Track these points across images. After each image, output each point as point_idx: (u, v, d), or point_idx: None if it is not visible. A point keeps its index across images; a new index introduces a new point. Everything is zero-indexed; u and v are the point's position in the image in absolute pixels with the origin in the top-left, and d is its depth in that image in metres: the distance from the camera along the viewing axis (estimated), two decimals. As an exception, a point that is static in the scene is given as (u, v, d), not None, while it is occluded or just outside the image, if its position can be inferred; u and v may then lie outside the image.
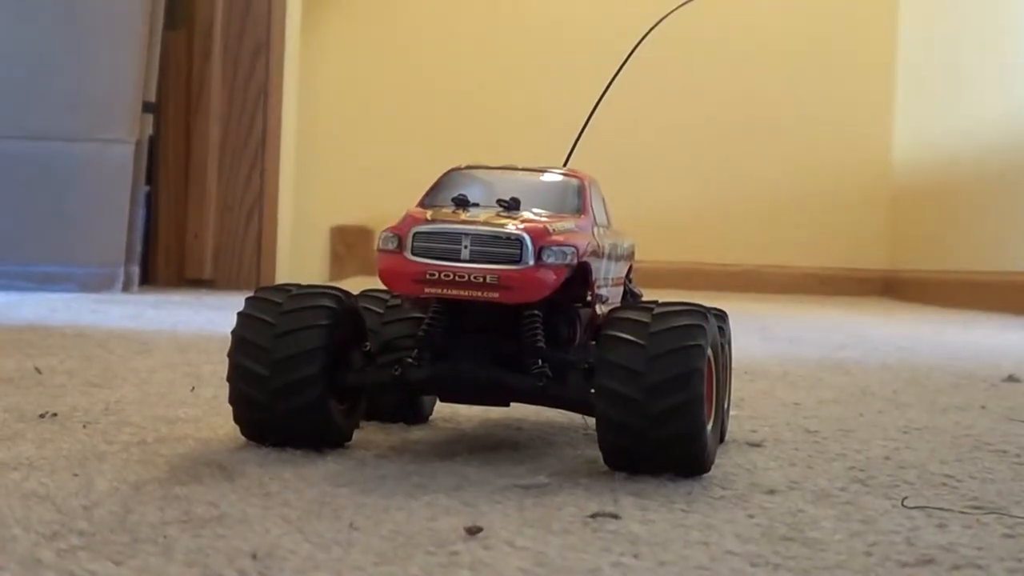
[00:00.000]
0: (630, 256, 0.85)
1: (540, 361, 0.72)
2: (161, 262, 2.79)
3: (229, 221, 2.81)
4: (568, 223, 0.72)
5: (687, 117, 3.77)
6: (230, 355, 0.74)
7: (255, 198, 2.82)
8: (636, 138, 3.75)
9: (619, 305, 0.79)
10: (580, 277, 0.72)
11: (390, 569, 0.51)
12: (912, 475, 0.76)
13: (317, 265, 3.71)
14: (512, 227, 0.69)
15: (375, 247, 0.71)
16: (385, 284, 0.72)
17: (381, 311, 0.80)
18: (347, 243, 3.77)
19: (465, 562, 0.53)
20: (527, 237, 0.68)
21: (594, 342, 0.74)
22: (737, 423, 0.94)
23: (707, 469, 0.71)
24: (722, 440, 0.81)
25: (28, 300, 2.09)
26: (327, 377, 0.73)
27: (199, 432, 0.83)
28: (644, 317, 0.69)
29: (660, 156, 3.76)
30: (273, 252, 2.88)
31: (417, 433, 0.86)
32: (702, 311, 0.71)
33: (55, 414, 0.88)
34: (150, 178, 2.63)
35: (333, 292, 0.75)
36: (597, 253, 0.74)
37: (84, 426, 0.84)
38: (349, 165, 3.80)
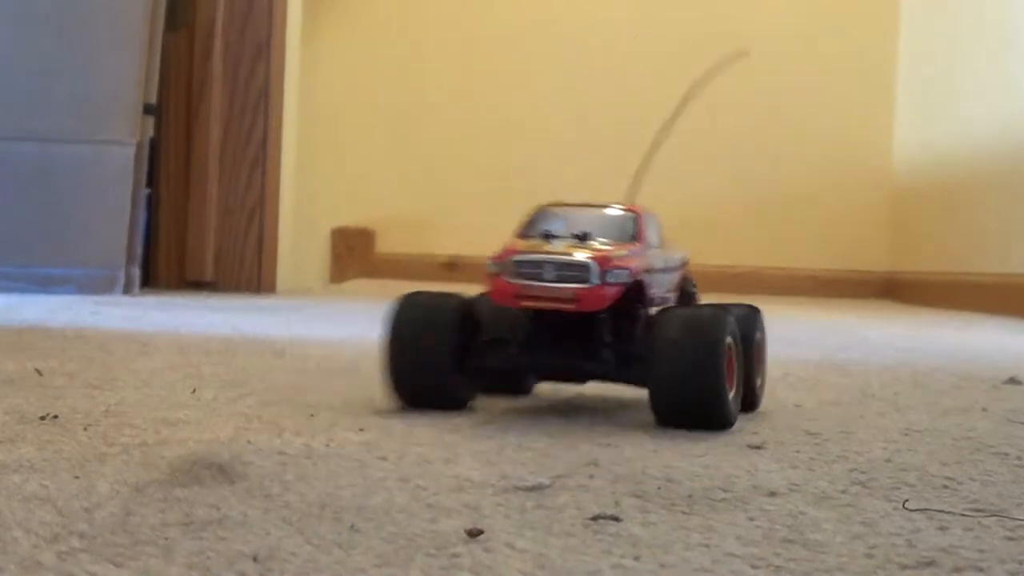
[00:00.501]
0: (682, 266, 1.04)
1: (607, 351, 0.94)
2: (162, 264, 2.80)
3: (230, 223, 2.81)
4: (625, 250, 0.92)
5: (687, 118, 3.77)
6: (387, 344, 0.95)
7: (256, 200, 2.82)
8: (637, 141, 3.75)
9: (671, 305, 1.00)
10: (636, 289, 0.92)
11: (391, 571, 0.51)
12: (913, 477, 0.76)
13: (318, 267, 3.72)
14: (582, 256, 0.89)
15: (485, 271, 0.92)
16: (494, 299, 0.92)
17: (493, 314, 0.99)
18: (348, 245, 3.77)
19: (466, 564, 0.53)
20: (593, 264, 0.89)
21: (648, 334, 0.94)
22: (737, 425, 0.94)
23: (728, 423, 0.91)
24: (754, 408, 1.01)
25: (29, 302, 2.09)
26: (456, 360, 0.95)
27: (200, 434, 0.83)
28: (679, 318, 0.91)
29: (660, 158, 3.76)
30: (274, 254, 2.88)
31: (418, 434, 0.86)
32: (724, 307, 0.94)
33: (56, 416, 0.88)
34: (151, 180, 2.64)
35: (460, 298, 0.97)
36: (649, 271, 0.94)
37: (85, 428, 0.84)
38: (350, 167, 3.80)
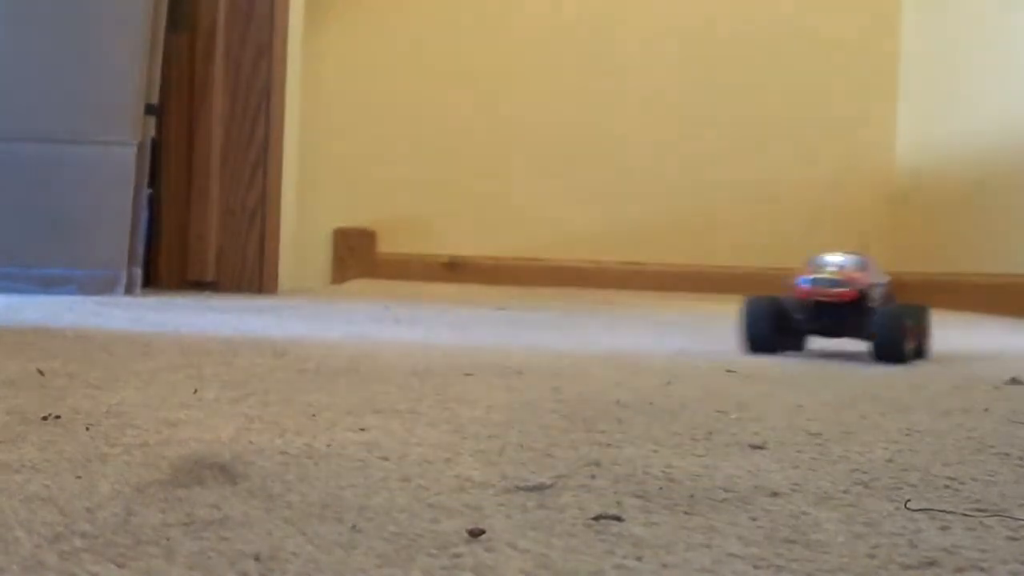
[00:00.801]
0: (887, 284, 1.72)
1: (850, 322, 1.65)
2: (164, 264, 2.80)
3: (232, 223, 2.81)
4: (859, 275, 1.64)
5: (689, 118, 3.77)
6: (744, 322, 1.69)
7: (258, 200, 2.82)
8: (637, 140, 3.75)
9: (881, 304, 1.67)
10: (863, 294, 1.64)
11: (392, 571, 0.51)
12: (915, 477, 0.76)
13: (320, 267, 3.72)
14: (837, 277, 1.63)
15: (793, 284, 1.66)
16: (796, 297, 1.65)
17: (794, 304, 1.68)
18: (349, 245, 3.77)
19: (467, 564, 0.53)
20: (844, 280, 1.62)
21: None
22: (739, 425, 0.94)
23: (904, 361, 1.60)
24: (923, 357, 1.70)
25: (30, 303, 2.09)
26: (776, 328, 1.68)
27: (202, 434, 0.83)
28: (884, 310, 1.64)
29: (662, 158, 3.76)
30: (276, 254, 2.88)
31: (419, 434, 0.86)
32: (907, 305, 1.70)
33: (58, 416, 0.88)
34: (152, 180, 2.63)
35: (775, 297, 1.69)
36: (870, 286, 1.65)
37: (87, 428, 0.84)
38: (352, 168, 3.80)
